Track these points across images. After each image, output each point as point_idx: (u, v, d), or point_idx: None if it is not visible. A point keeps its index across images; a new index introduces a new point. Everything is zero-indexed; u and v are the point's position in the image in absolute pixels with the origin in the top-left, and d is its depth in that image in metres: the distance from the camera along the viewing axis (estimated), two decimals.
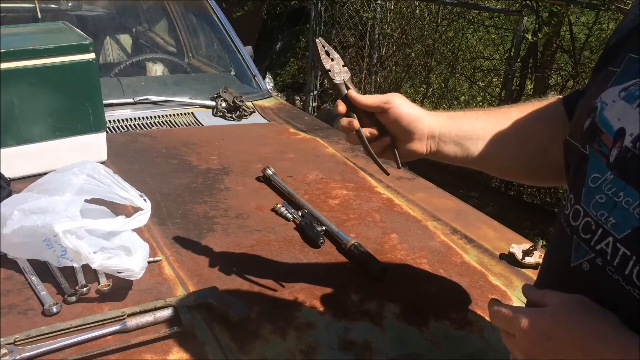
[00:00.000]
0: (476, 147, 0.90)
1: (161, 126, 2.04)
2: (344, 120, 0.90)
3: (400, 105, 0.89)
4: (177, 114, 2.13)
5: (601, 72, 0.70)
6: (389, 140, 0.91)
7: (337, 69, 0.90)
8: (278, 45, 7.26)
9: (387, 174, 0.99)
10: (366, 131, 0.90)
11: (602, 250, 0.59)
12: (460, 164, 0.94)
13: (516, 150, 0.89)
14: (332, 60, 0.91)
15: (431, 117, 0.91)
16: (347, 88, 0.90)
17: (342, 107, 0.90)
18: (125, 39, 3.04)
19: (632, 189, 0.57)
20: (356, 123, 0.89)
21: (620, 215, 0.58)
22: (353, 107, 0.90)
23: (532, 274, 1.26)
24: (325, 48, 0.91)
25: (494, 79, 4.94)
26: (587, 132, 0.65)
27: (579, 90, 0.86)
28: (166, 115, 2.11)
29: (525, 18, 3.98)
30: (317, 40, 0.91)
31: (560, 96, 0.90)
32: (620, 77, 0.64)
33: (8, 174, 1.41)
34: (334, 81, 0.90)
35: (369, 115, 0.91)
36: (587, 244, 0.62)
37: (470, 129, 0.90)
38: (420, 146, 0.91)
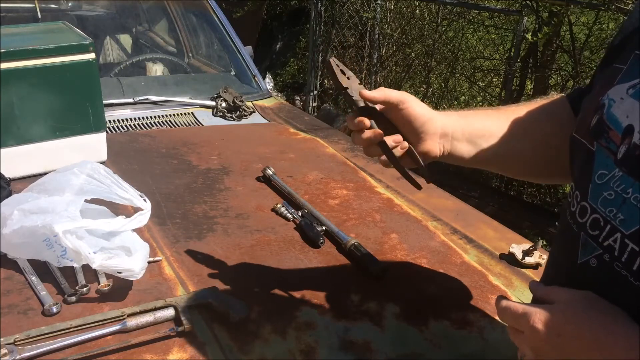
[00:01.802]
0: (489, 145, 0.88)
1: (161, 126, 2.04)
2: (368, 132, 0.84)
3: (413, 106, 0.86)
4: (177, 114, 2.13)
5: (607, 70, 0.70)
6: (407, 146, 0.87)
7: (355, 87, 0.87)
8: (278, 45, 7.27)
9: (419, 188, 0.94)
10: (389, 140, 0.86)
11: (610, 247, 0.60)
12: (473, 164, 0.91)
13: (529, 147, 0.88)
14: (348, 78, 0.87)
15: (442, 116, 0.89)
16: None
17: (359, 121, 0.84)
18: (125, 39, 3.04)
19: None
20: (380, 132, 0.85)
21: (629, 212, 0.58)
22: (368, 114, 0.86)
23: (532, 274, 1.26)
24: (340, 67, 0.88)
25: (494, 79, 4.94)
26: (594, 129, 0.65)
27: (580, 88, 0.86)
28: (166, 115, 2.11)
29: (525, 18, 3.98)
30: (331, 60, 0.87)
31: (564, 94, 0.90)
32: (626, 74, 0.64)
33: (8, 174, 1.41)
34: (353, 98, 0.86)
35: (382, 121, 0.87)
36: (595, 241, 0.62)
37: (482, 126, 0.89)
38: (433, 147, 0.88)
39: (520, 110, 0.91)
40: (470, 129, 0.89)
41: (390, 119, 0.87)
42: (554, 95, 0.91)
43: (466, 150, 0.89)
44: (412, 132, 0.87)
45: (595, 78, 0.77)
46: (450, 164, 0.93)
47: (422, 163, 0.88)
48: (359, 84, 0.88)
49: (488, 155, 0.89)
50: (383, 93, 0.85)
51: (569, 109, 0.85)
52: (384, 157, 0.87)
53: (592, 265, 0.62)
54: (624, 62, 0.66)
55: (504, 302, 0.65)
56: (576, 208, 0.66)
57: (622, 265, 0.58)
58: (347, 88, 0.86)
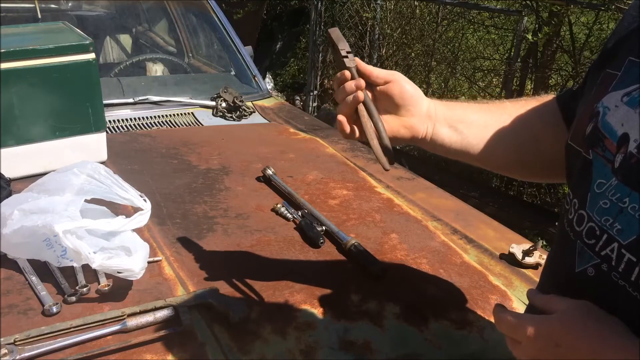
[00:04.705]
0: (470, 131, 0.88)
1: (161, 126, 2.04)
2: (351, 84, 0.84)
3: (402, 81, 0.87)
4: (177, 114, 2.13)
5: (600, 75, 0.69)
6: (362, 97, 0.86)
7: (350, 57, 0.88)
8: (278, 45, 7.26)
9: (389, 165, 0.89)
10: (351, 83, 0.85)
11: (607, 256, 0.59)
12: (453, 152, 0.91)
13: (509, 136, 0.88)
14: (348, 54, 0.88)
15: (428, 99, 0.90)
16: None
17: (348, 73, 0.86)
18: (125, 39, 3.04)
19: (638, 194, 0.56)
20: (362, 81, 0.84)
21: (626, 221, 0.57)
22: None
23: (532, 274, 1.26)
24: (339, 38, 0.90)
25: (494, 79, 4.94)
26: (589, 137, 0.65)
27: (572, 89, 0.86)
28: (166, 115, 2.11)
29: (525, 18, 3.98)
30: (330, 30, 0.90)
31: (554, 95, 0.90)
32: (621, 81, 0.64)
33: (8, 174, 1.41)
34: (342, 58, 0.87)
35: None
36: (591, 250, 0.61)
37: (462, 113, 0.90)
38: (420, 124, 0.88)
39: (504, 103, 0.91)
40: (452, 114, 0.89)
41: (381, 92, 0.87)
42: (543, 96, 0.90)
43: (447, 134, 0.89)
44: (402, 105, 0.87)
45: (588, 81, 0.76)
46: (434, 153, 0.92)
47: (387, 142, 0.85)
48: (353, 56, 0.89)
49: (468, 142, 0.88)
50: (374, 68, 0.86)
51: (555, 108, 0.86)
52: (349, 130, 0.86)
53: (589, 275, 0.62)
54: (617, 68, 0.65)
55: (501, 312, 0.65)
56: (574, 216, 0.65)
57: (620, 275, 0.57)
58: (343, 49, 0.87)
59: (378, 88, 0.87)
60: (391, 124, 0.87)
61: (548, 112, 0.86)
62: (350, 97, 0.84)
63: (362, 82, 0.85)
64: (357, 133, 0.86)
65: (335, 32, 0.90)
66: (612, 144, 0.61)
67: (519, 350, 0.63)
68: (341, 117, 0.85)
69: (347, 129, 0.86)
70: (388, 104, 0.87)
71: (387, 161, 0.85)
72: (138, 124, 2.03)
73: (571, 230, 0.65)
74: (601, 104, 0.64)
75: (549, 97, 0.90)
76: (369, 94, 0.87)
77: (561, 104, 0.85)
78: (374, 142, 0.85)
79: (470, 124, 0.89)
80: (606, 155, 0.62)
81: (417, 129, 0.88)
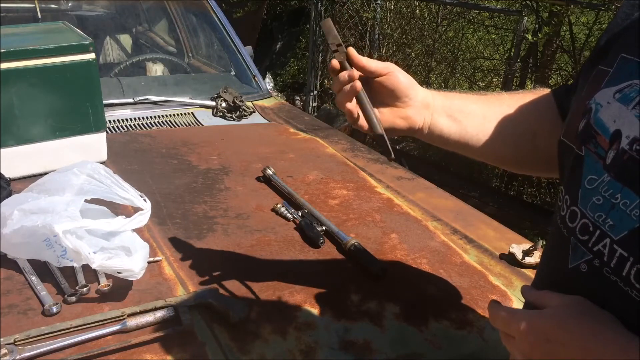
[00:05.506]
0: (468, 122, 0.88)
1: (161, 126, 2.04)
2: (344, 74, 0.82)
3: (398, 71, 0.86)
4: (177, 114, 2.13)
5: (592, 71, 0.69)
6: (359, 86, 0.84)
7: (341, 50, 0.86)
8: (278, 45, 7.26)
9: (391, 157, 0.88)
10: (345, 74, 0.82)
11: (600, 252, 0.59)
12: (452, 144, 0.90)
13: (508, 130, 0.88)
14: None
15: (424, 90, 0.89)
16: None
17: (336, 63, 0.84)
18: (125, 39, 3.04)
19: (630, 190, 0.57)
20: (356, 72, 0.82)
21: (618, 217, 0.57)
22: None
23: (532, 274, 1.26)
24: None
25: (494, 79, 4.94)
26: (582, 134, 0.65)
27: (567, 85, 0.86)
28: (166, 115, 2.11)
29: (525, 18, 3.98)
30: (322, 22, 0.88)
31: (549, 89, 0.90)
32: (613, 78, 0.64)
33: (8, 174, 1.41)
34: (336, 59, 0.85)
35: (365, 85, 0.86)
36: (584, 246, 0.62)
37: (461, 103, 0.90)
38: (416, 114, 0.87)
39: (502, 95, 0.92)
40: (451, 104, 0.89)
41: (376, 85, 0.87)
42: (540, 90, 0.90)
43: (446, 124, 0.89)
44: (397, 97, 0.86)
45: (580, 78, 0.76)
46: (433, 153, 0.92)
47: (381, 131, 0.84)
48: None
49: (467, 133, 0.88)
50: (368, 60, 0.85)
51: (552, 102, 0.86)
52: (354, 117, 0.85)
53: (582, 270, 0.62)
54: (609, 65, 0.65)
55: (495, 307, 0.65)
56: (566, 212, 0.66)
57: (612, 270, 0.58)
58: (333, 42, 0.85)
59: (373, 80, 0.86)
60: (386, 116, 0.86)
61: (545, 107, 0.87)
62: (347, 87, 0.83)
63: (356, 73, 0.83)
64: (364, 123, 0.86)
65: (326, 25, 0.88)
66: (604, 141, 0.61)
67: (512, 346, 0.63)
68: (349, 106, 0.84)
69: (355, 115, 0.85)
70: (383, 96, 0.87)
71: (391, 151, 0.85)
72: (138, 124, 2.03)
73: (564, 226, 0.66)
74: (593, 100, 0.65)
75: (545, 90, 0.90)
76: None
77: (557, 99, 0.86)
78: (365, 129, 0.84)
79: (469, 114, 0.89)
80: (598, 151, 0.62)
81: (414, 120, 0.88)
